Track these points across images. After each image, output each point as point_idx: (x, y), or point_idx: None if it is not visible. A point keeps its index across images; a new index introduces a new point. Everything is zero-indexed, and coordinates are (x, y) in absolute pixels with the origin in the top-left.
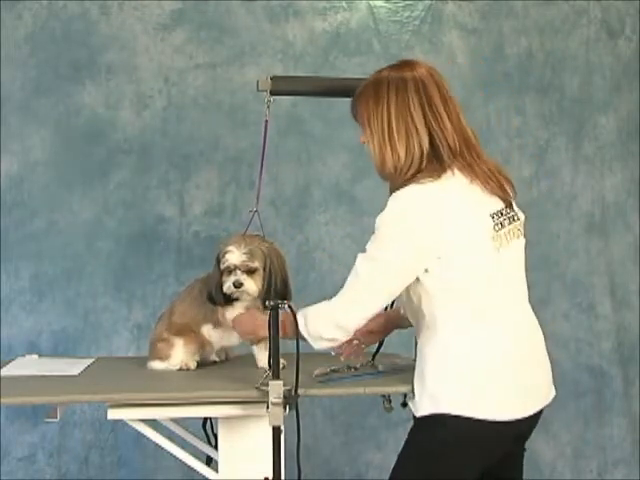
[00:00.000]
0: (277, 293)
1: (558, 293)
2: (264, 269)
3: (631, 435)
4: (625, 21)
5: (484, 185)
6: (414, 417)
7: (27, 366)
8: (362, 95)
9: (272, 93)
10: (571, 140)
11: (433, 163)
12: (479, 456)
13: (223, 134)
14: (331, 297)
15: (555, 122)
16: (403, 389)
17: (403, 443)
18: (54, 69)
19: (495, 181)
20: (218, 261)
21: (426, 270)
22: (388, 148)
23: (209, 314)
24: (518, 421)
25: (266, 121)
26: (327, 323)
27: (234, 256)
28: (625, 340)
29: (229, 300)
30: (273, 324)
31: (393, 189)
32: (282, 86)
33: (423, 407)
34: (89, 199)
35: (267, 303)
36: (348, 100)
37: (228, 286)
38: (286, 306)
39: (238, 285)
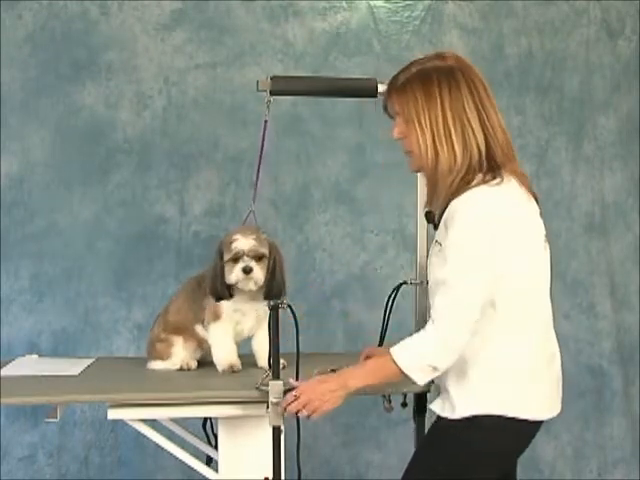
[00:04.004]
0: (280, 284)
1: (558, 293)
2: (269, 258)
3: (631, 435)
4: (625, 21)
5: (527, 186)
6: (440, 417)
7: (27, 366)
8: (407, 88)
9: (272, 93)
10: (571, 140)
11: (490, 164)
12: (508, 457)
13: (223, 134)
14: (330, 297)
15: (555, 122)
16: (403, 389)
17: (424, 442)
18: (54, 69)
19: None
20: (221, 253)
21: None
22: (445, 147)
23: (201, 313)
24: (541, 422)
25: (265, 121)
26: (439, 352)
27: (242, 242)
28: (625, 340)
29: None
30: (273, 324)
31: (449, 192)
32: (282, 86)
33: (462, 408)
34: (89, 199)
35: (268, 304)
36: (348, 100)
37: (236, 273)
38: (286, 306)
39: (248, 270)
